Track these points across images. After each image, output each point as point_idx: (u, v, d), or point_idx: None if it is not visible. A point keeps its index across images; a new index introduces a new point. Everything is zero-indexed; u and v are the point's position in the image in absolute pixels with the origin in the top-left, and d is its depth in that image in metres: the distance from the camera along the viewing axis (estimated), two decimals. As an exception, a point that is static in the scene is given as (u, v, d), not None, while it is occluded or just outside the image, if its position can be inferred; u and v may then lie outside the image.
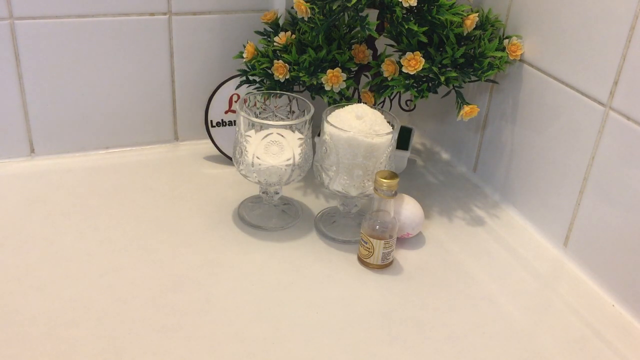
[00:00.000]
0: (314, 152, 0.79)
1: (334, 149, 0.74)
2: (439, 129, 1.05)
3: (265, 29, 0.90)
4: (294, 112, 0.81)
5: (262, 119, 0.80)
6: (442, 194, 0.93)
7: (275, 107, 0.81)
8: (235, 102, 0.92)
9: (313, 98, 0.85)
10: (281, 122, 0.76)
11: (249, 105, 0.80)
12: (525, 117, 0.84)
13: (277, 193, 0.82)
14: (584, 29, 0.73)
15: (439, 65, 0.79)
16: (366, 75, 0.88)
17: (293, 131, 0.76)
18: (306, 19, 0.81)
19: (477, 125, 0.94)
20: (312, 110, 0.77)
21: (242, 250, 0.77)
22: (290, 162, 0.76)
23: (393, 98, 0.92)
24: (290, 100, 0.81)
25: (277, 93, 0.81)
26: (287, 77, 0.82)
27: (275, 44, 0.85)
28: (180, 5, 0.90)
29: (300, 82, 0.84)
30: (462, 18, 0.79)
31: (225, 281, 0.72)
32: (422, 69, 0.78)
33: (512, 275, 0.77)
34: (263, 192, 0.82)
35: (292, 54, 0.82)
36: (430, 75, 0.79)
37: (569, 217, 0.79)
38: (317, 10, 0.80)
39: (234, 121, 0.93)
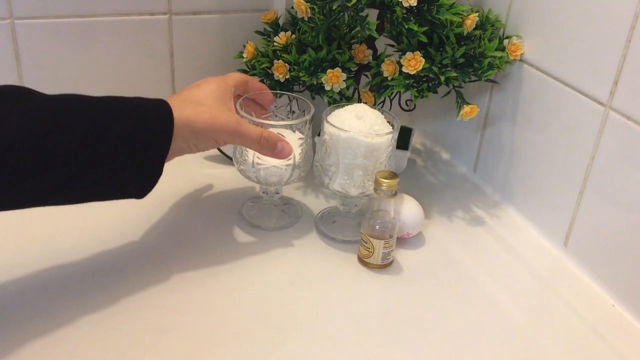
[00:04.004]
0: (314, 152, 0.79)
1: (334, 149, 0.74)
2: (439, 129, 1.05)
3: (265, 29, 0.90)
4: (294, 112, 0.81)
5: (262, 119, 0.80)
6: (442, 194, 0.93)
7: (275, 106, 0.81)
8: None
9: (313, 98, 0.85)
10: (281, 122, 0.76)
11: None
12: (525, 117, 0.84)
13: (277, 193, 0.82)
14: (584, 29, 0.73)
15: (439, 65, 0.79)
16: (366, 75, 0.88)
17: (294, 131, 0.76)
18: (306, 18, 0.81)
19: (477, 125, 0.94)
20: (312, 110, 0.77)
21: (242, 250, 0.77)
22: (291, 162, 0.76)
23: (393, 98, 0.92)
24: (290, 100, 0.81)
25: (278, 93, 0.81)
26: (287, 77, 0.82)
27: (275, 44, 0.85)
28: (180, 5, 0.90)
29: (300, 82, 0.84)
30: (462, 18, 0.79)
31: (225, 281, 0.72)
32: (422, 68, 0.78)
33: (512, 275, 0.77)
34: (263, 192, 0.82)
35: (292, 54, 0.82)
36: (430, 75, 0.79)
37: (569, 217, 0.79)
38: (317, 10, 0.80)
39: (234, 121, 0.93)
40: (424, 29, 0.77)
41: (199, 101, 0.68)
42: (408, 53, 0.79)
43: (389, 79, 0.81)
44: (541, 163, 0.82)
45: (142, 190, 0.64)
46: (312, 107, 0.77)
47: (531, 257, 0.80)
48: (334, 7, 0.78)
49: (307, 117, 0.76)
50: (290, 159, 0.75)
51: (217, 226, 0.81)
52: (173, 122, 0.63)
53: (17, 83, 0.86)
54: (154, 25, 0.90)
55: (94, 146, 0.58)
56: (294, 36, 0.85)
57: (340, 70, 0.81)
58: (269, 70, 0.84)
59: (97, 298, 0.67)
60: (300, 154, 0.76)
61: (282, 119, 0.81)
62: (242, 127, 0.69)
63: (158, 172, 0.64)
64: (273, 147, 0.71)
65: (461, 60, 0.79)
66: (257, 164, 0.75)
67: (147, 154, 0.62)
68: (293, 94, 0.81)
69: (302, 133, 0.76)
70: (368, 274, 0.75)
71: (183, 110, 0.65)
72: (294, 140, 0.76)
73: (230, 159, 0.92)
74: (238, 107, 0.76)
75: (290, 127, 0.75)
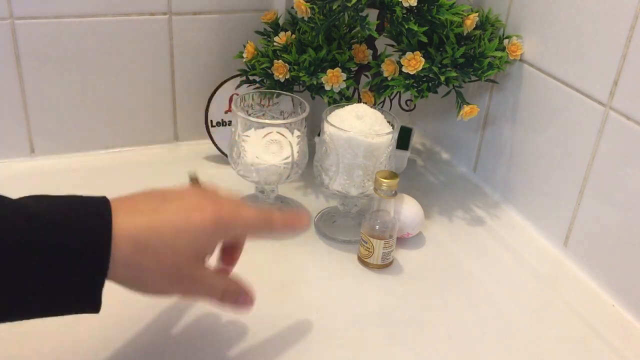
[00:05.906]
0: (315, 152, 0.79)
1: (334, 149, 0.74)
2: (439, 129, 1.05)
3: (265, 29, 0.90)
4: (284, 110, 0.81)
5: (256, 117, 0.79)
6: (442, 194, 0.93)
7: (266, 106, 0.81)
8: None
9: (313, 98, 0.85)
10: (281, 121, 0.76)
11: (245, 105, 0.79)
12: (525, 117, 0.84)
13: (272, 191, 0.82)
14: (584, 29, 0.73)
15: (439, 65, 0.79)
16: (366, 75, 0.88)
17: (292, 130, 0.76)
18: (306, 18, 0.81)
19: (477, 125, 0.94)
20: (307, 107, 0.77)
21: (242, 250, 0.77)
22: (289, 160, 0.76)
23: (393, 98, 0.92)
24: (277, 97, 0.81)
25: (273, 92, 0.81)
26: (287, 77, 0.82)
27: (275, 44, 0.85)
28: (180, 5, 0.90)
29: (300, 82, 0.84)
30: (462, 18, 0.79)
31: (225, 281, 0.72)
32: (422, 68, 0.78)
33: (512, 275, 0.77)
34: (260, 191, 0.82)
35: (292, 54, 0.82)
36: (430, 75, 0.79)
37: (569, 217, 0.79)
38: (317, 10, 0.80)
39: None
40: (424, 29, 0.77)
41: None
42: (408, 53, 0.79)
43: (389, 79, 0.81)
44: (541, 163, 0.82)
45: (92, 307, 0.51)
46: (307, 104, 0.78)
47: (531, 257, 0.80)
48: (334, 7, 0.78)
49: (304, 114, 0.76)
50: (289, 157, 0.75)
51: (217, 226, 0.81)
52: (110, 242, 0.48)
53: (17, 83, 0.86)
54: (154, 25, 0.90)
55: (13, 262, 0.44)
56: (294, 36, 0.85)
57: (340, 70, 0.81)
58: (269, 70, 0.84)
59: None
60: (298, 152, 0.77)
61: (274, 117, 0.81)
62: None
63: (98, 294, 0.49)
64: (235, 301, 0.56)
65: (461, 60, 0.79)
66: (257, 163, 0.75)
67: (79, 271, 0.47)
68: (286, 93, 0.81)
69: (299, 131, 0.76)
70: (368, 274, 0.75)
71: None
72: (293, 138, 0.76)
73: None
74: (234, 107, 0.76)
75: (289, 125, 0.75)
